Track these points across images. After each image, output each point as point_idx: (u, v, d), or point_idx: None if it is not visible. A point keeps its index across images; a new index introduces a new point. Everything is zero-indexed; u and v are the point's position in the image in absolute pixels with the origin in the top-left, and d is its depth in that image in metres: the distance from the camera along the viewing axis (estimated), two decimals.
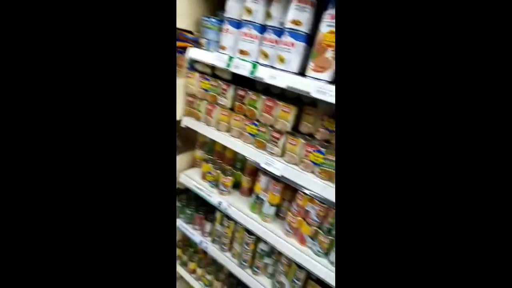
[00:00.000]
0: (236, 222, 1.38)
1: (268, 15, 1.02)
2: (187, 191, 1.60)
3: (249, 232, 1.33)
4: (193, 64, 1.30)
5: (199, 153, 1.55)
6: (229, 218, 1.40)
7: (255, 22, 1.04)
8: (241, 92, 1.18)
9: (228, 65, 1.09)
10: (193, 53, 1.21)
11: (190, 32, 1.24)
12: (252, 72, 1.03)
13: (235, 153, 1.42)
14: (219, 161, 1.48)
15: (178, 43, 1.27)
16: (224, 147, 1.44)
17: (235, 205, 1.32)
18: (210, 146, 1.51)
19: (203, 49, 1.20)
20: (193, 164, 1.59)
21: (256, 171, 1.36)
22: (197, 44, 1.24)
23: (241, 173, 1.41)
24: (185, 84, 1.32)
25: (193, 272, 1.70)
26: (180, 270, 1.74)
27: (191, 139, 1.56)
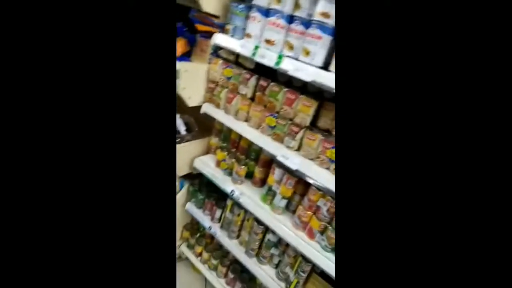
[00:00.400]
0: (246, 211, 1.40)
1: (296, 5, 1.00)
2: (199, 176, 1.62)
3: (259, 222, 1.34)
4: (216, 50, 1.29)
5: (214, 140, 1.57)
6: (239, 206, 1.42)
7: (283, 12, 1.02)
8: (263, 83, 1.18)
9: (254, 54, 1.08)
10: (218, 39, 1.20)
11: (216, 16, 1.23)
12: (277, 63, 1.02)
13: (250, 143, 1.43)
14: (233, 150, 1.49)
15: (203, 27, 1.27)
16: (240, 136, 1.45)
17: (247, 195, 1.33)
18: (226, 134, 1.51)
19: (229, 35, 1.19)
20: (208, 151, 1.61)
21: (269, 162, 1.36)
22: (222, 29, 1.23)
23: (254, 163, 1.41)
24: (207, 70, 1.32)
25: (199, 255, 1.75)
26: (187, 252, 1.79)
27: (207, 125, 1.57)
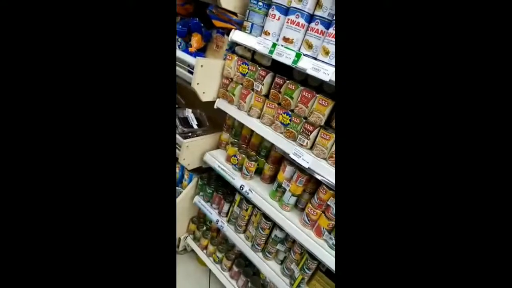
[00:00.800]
0: (254, 207, 1.42)
1: (318, 4, 1.01)
2: (209, 170, 1.64)
3: (266, 217, 1.36)
4: (233, 47, 1.30)
5: (225, 136, 1.58)
6: (247, 201, 1.44)
7: (303, 10, 1.03)
8: (279, 80, 1.19)
9: (271, 52, 1.09)
10: (236, 35, 1.21)
11: (234, 13, 1.23)
12: (295, 62, 1.03)
13: (261, 140, 1.44)
14: (244, 146, 1.51)
15: (221, 24, 1.28)
16: (251, 133, 1.46)
17: (256, 190, 1.35)
18: (237, 130, 1.53)
19: (246, 32, 1.20)
20: (218, 146, 1.62)
21: (279, 160, 1.38)
22: (240, 26, 1.24)
23: (264, 160, 1.43)
24: (222, 66, 1.33)
25: (205, 248, 1.77)
26: (192, 244, 1.81)
27: (219, 120, 1.58)
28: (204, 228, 1.81)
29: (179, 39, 1.41)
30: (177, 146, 1.46)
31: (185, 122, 1.51)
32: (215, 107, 1.40)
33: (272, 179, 1.43)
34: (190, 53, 1.35)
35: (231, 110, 1.36)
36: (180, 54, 1.31)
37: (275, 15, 1.10)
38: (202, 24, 1.37)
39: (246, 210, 1.46)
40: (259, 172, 1.46)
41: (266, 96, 1.26)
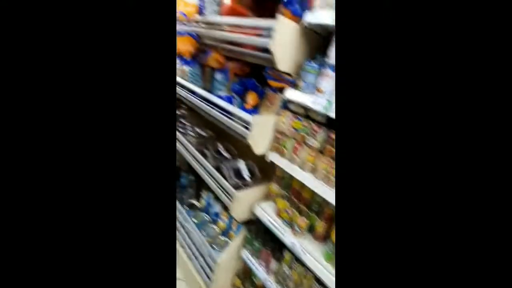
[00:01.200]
0: (305, 267, 1.31)
1: None
2: (256, 222, 1.61)
3: (320, 282, 1.24)
4: (286, 103, 1.36)
5: (274, 187, 1.57)
6: (298, 260, 1.34)
7: None
8: (333, 135, 1.18)
9: (326, 109, 1.11)
10: (290, 94, 1.27)
11: (289, 74, 1.31)
12: None
13: (313, 194, 1.39)
14: (294, 199, 1.47)
15: (276, 84, 1.36)
16: (302, 186, 1.43)
17: (308, 249, 1.27)
18: (287, 182, 1.51)
19: (300, 91, 1.25)
20: (267, 197, 1.61)
21: (333, 217, 1.30)
22: (294, 85, 1.31)
23: (317, 216, 1.36)
24: (275, 121, 1.38)
25: None
26: None
27: (268, 172, 1.59)
28: (250, 284, 1.71)
29: (236, 97, 1.53)
30: (229, 197, 1.49)
31: (237, 173, 1.55)
32: (268, 160, 1.43)
33: (326, 237, 1.33)
34: (245, 109, 1.44)
35: (283, 163, 1.37)
36: (236, 110, 1.41)
37: (328, 74, 1.14)
38: (258, 85, 1.48)
39: (297, 270, 1.35)
40: (311, 229, 1.38)
41: (321, 151, 1.25)
